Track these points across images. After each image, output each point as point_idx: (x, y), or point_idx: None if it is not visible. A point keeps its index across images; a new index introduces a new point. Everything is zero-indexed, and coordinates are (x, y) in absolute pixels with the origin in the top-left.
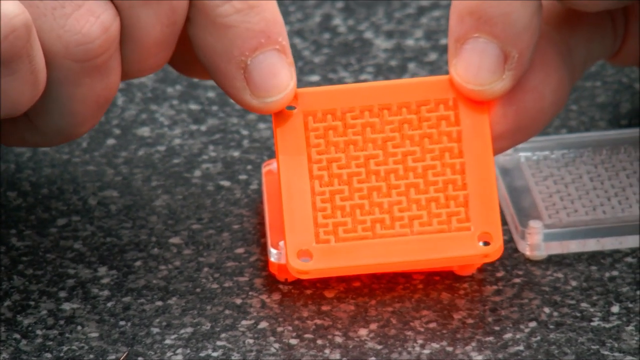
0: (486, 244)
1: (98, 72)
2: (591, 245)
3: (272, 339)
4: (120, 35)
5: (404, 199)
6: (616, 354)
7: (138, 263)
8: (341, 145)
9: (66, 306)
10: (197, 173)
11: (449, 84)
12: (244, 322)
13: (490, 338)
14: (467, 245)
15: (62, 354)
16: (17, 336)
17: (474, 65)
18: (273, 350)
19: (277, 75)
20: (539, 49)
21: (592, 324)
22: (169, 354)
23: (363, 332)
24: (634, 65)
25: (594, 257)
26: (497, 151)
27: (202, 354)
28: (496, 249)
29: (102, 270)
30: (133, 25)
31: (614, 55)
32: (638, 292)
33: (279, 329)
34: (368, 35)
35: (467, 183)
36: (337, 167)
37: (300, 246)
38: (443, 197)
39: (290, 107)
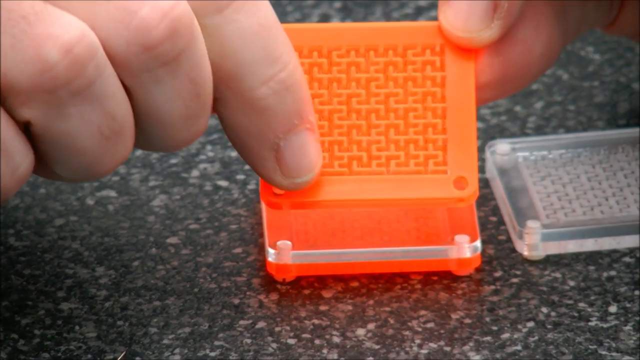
0: (461, 188)
1: (84, 100)
2: (589, 245)
3: (269, 338)
4: (135, 108)
5: (382, 138)
6: (614, 353)
7: (136, 263)
8: (325, 82)
9: (64, 306)
10: (195, 173)
11: (437, 30)
12: (241, 322)
13: (488, 338)
14: (442, 188)
15: (60, 354)
16: (15, 336)
17: (463, 12)
18: (271, 350)
19: (308, 155)
20: (532, 2)
21: (589, 323)
22: (166, 353)
23: (361, 332)
24: (631, 37)
25: (591, 257)
26: (482, 101)
27: (200, 354)
28: (471, 193)
29: (100, 270)
30: (147, 101)
31: (610, 24)
32: (636, 292)
33: (277, 329)
34: None
35: (447, 128)
36: (318, 103)
37: (273, 196)
38: (422, 139)
39: None
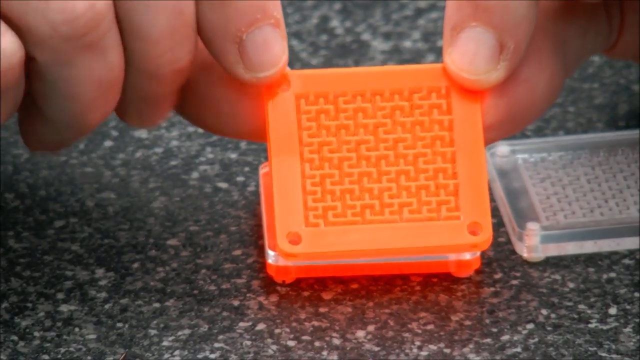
0: (475, 234)
1: (92, 50)
2: (589, 247)
3: (269, 340)
4: (121, 23)
5: (394, 185)
6: (614, 355)
7: (136, 265)
8: (333, 129)
9: (64, 308)
10: (195, 175)
11: (442, 73)
12: (241, 324)
13: (488, 340)
14: (456, 235)
15: (59, 356)
16: (15, 338)
17: (469, 53)
18: (270, 352)
19: (270, 50)
20: (533, 40)
21: (589, 325)
22: (166, 355)
23: (360, 333)
24: (632, 60)
25: (591, 259)
26: (486, 142)
27: (200, 356)
28: (485, 239)
29: (100, 272)
30: (131, 16)
31: (610, 48)
32: (636, 294)
33: (277, 331)
34: (365, 37)
35: (457, 172)
36: (328, 150)
37: (289, 228)
38: (433, 185)
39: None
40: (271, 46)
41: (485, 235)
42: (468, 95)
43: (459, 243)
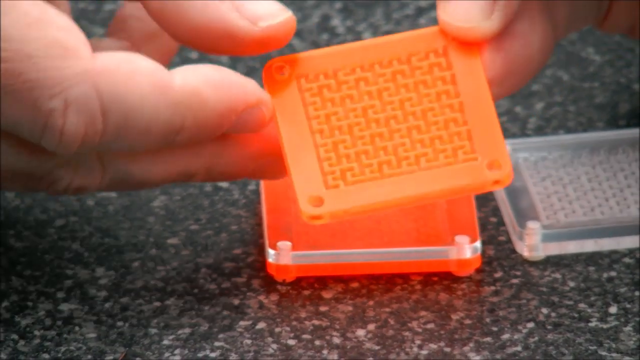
0: (495, 170)
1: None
2: (589, 246)
3: (270, 339)
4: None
5: (407, 140)
6: (614, 354)
7: (136, 264)
8: (337, 101)
9: (64, 307)
10: None
11: (437, 34)
12: (241, 323)
13: (488, 339)
14: (477, 174)
15: (60, 355)
16: (15, 337)
17: (463, 4)
18: (271, 350)
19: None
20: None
21: (590, 324)
22: (166, 354)
23: (361, 332)
24: (625, 33)
25: (592, 258)
26: (492, 98)
27: (200, 355)
28: (506, 173)
29: (100, 271)
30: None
31: (602, 21)
32: (636, 293)
33: (277, 330)
34: (366, 36)
35: (467, 119)
36: (336, 119)
37: (311, 193)
38: (446, 134)
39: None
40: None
41: (506, 170)
42: (466, 49)
43: (481, 181)
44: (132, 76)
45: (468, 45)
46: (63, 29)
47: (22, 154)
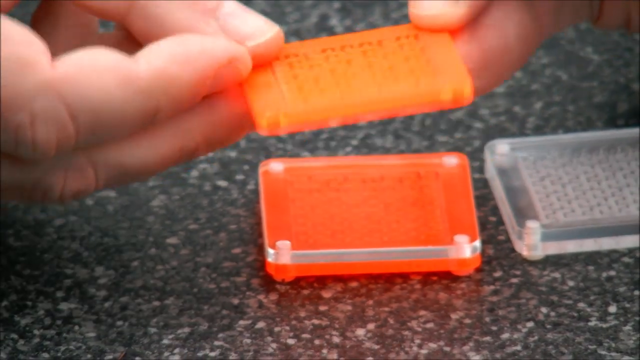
0: (456, 85)
1: None
2: (588, 245)
3: (269, 338)
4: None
5: (370, 76)
6: (613, 353)
7: (135, 263)
8: (305, 65)
9: (63, 306)
10: (194, 173)
11: (405, 28)
12: (241, 322)
13: (488, 338)
14: (437, 88)
15: (59, 354)
16: (15, 336)
17: None
18: (270, 350)
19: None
20: None
21: (589, 323)
22: (166, 354)
23: (360, 332)
24: (621, 29)
25: (591, 257)
26: (476, 93)
27: (200, 354)
28: (467, 88)
29: (100, 270)
30: None
31: (597, 18)
32: (635, 292)
33: (277, 329)
34: None
35: (431, 67)
36: (303, 76)
37: (270, 110)
38: (411, 74)
39: None
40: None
41: (466, 85)
42: (437, 32)
43: (442, 98)
44: (95, 75)
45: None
46: (21, 43)
47: (7, 165)
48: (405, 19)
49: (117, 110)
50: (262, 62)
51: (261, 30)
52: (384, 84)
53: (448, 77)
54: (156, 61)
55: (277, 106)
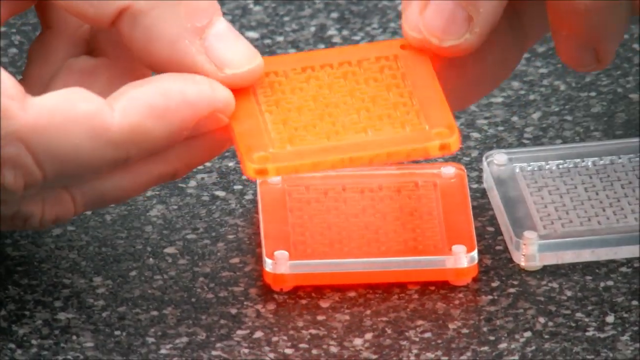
0: (443, 137)
1: None
2: (586, 255)
3: (267, 348)
4: None
5: (355, 116)
6: None
7: (133, 273)
8: (287, 89)
9: (61, 316)
10: (192, 183)
11: (391, 45)
12: (239, 332)
13: (485, 348)
14: (425, 139)
15: None
16: (13, 346)
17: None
18: (268, 359)
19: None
20: None
21: (587, 333)
22: None
23: (358, 341)
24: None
25: (588, 267)
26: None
27: None
28: (454, 139)
29: (97, 280)
30: None
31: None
32: (633, 302)
33: (274, 339)
34: None
35: (415, 104)
36: (285, 102)
37: (256, 151)
38: (396, 114)
39: None
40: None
41: (453, 136)
42: (417, 54)
43: (429, 145)
44: (66, 127)
45: (419, 52)
46: None
47: None
48: None
49: (85, 160)
50: (240, 88)
51: (243, 60)
52: (374, 143)
53: (436, 131)
54: (132, 114)
55: (264, 157)
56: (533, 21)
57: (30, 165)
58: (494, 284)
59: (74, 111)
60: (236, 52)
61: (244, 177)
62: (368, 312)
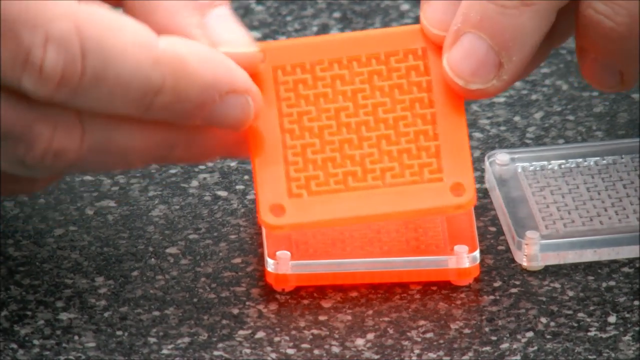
0: (459, 195)
1: None
2: (588, 255)
3: (269, 348)
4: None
5: (375, 150)
6: None
7: (135, 273)
8: (311, 98)
9: (63, 316)
10: (194, 183)
11: (418, 34)
12: (241, 332)
13: (487, 348)
14: (440, 197)
15: None
16: (15, 346)
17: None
18: None
19: (243, 110)
20: None
21: (589, 334)
22: None
23: (360, 342)
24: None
25: (590, 267)
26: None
27: None
28: (469, 199)
29: (99, 280)
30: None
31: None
32: (635, 302)
33: (276, 339)
34: None
35: (438, 133)
36: (307, 120)
37: (272, 201)
38: (414, 148)
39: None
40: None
41: (469, 196)
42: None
43: (443, 205)
44: (117, 27)
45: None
46: None
47: (5, 101)
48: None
49: (125, 69)
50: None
51: (238, 42)
52: (390, 200)
53: (452, 183)
54: (178, 46)
55: (280, 208)
56: (563, 26)
57: (75, 50)
58: (496, 284)
59: (126, 20)
60: (232, 34)
61: (245, 177)
62: (370, 312)
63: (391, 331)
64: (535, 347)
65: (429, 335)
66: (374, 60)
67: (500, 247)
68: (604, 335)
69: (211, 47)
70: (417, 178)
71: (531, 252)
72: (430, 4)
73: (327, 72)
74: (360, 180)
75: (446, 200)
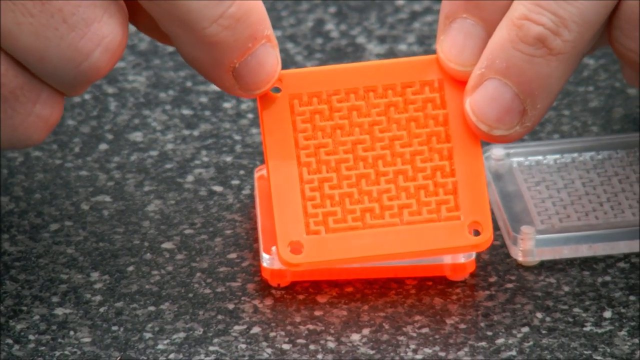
0: (476, 233)
1: None
2: (583, 250)
3: (264, 344)
4: None
5: (392, 186)
6: (608, 359)
7: (131, 268)
8: (328, 130)
9: (59, 311)
10: (190, 178)
11: (434, 64)
12: (236, 327)
13: (483, 343)
14: (458, 236)
15: (54, 359)
16: (10, 341)
17: (458, 45)
18: (265, 355)
19: (264, 68)
20: None
21: (584, 329)
22: (161, 358)
23: (355, 337)
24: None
25: (586, 262)
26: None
27: (195, 359)
28: (486, 239)
29: (95, 275)
30: None
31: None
32: (630, 297)
33: (272, 334)
34: (360, 40)
35: (455, 169)
36: (324, 153)
37: (291, 237)
38: (432, 184)
39: (275, 90)
40: (265, 65)
41: (486, 235)
42: (460, 87)
43: (460, 245)
44: None
45: (463, 82)
46: None
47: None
48: (400, 23)
49: None
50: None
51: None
52: (407, 239)
53: (470, 222)
54: None
55: (298, 245)
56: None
57: None
58: (492, 279)
59: None
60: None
61: (241, 172)
62: (365, 307)
63: (387, 326)
64: (531, 342)
65: (425, 330)
66: (390, 91)
67: (495, 242)
68: (599, 331)
69: (243, 90)
70: (434, 216)
71: (527, 247)
72: (447, 36)
73: (343, 103)
74: (377, 218)
75: (463, 240)
